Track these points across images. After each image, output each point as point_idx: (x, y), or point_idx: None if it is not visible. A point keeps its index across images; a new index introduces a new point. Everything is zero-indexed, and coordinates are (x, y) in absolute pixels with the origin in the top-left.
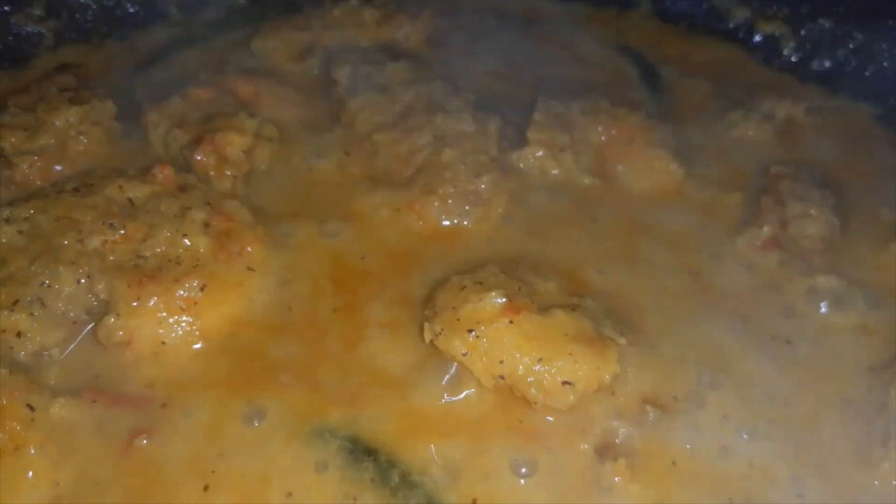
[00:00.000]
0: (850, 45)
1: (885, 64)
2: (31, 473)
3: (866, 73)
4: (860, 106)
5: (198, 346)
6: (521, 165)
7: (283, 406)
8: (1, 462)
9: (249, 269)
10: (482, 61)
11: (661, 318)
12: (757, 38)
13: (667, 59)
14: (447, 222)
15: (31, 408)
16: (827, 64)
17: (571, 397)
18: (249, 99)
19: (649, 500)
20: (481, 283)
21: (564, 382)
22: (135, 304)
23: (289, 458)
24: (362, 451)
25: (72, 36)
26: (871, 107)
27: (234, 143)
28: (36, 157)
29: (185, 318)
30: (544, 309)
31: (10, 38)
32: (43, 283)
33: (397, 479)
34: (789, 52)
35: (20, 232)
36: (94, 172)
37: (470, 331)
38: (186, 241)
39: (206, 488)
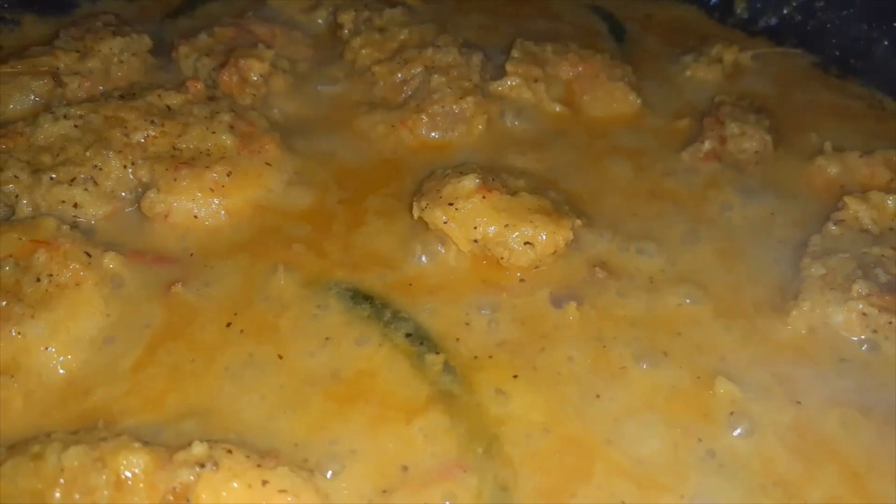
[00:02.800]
0: (794, 4)
1: (822, 18)
2: (88, 306)
3: (808, 28)
4: (800, 53)
5: (224, 221)
6: (500, 92)
7: (296, 267)
8: (64, 294)
9: (267, 164)
10: (468, 15)
11: (613, 211)
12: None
13: (632, 18)
14: (435, 135)
15: (89, 255)
16: (773, 21)
17: (532, 255)
18: (266, 39)
19: (591, 333)
20: (461, 172)
21: (526, 243)
22: (173, 181)
23: (299, 303)
24: (361, 297)
25: None
26: (810, 55)
27: (255, 69)
28: (84, 78)
29: (214, 199)
30: (512, 192)
31: None
32: (95, 166)
33: (389, 315)
34: (741, 11)
35: (76, 126)
36: (136, 85)
37: (450, 204)
38: (215, 137)
39: (228, 325)
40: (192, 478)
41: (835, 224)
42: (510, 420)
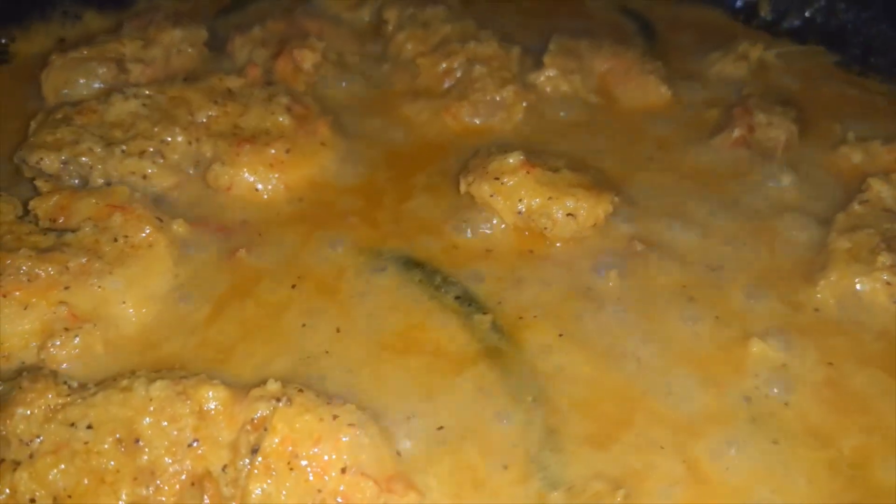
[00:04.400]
0: (816, 6)
1: (844, 19)
2: (160, 264)
3: (830, 29)
4: (823, 52)
5: (283, 194)
6: (538, 83)
7: (351, 236)
8: (139, 254)
9: (322, 144)
10: (505, 14)
11: (648, 190)
12: (738, 2)
13: (661, 18)
14: (477, 120)
15: (160, 219)
16: (796, 22)
17: (574, 226)
18: (316, 33)
19: (631, 298)
20: (505, 150)
21: (568, 215)
22: (236, 156)
23: (355, 268)
24: (413, 264)
25: None
26: (833, 54)
27: (307, 58)
28: (146, 65)
29: (274, 174)
30: (554, 169)
31: None
32: (163, 140)
33: (440, 280)
34: (765, 14)
35: (144, 105)
36: (196, 71)
37: (496, 178)
38: (274, 117)
39: (293, 286)
40: (267, 411)
41: (859, 204)
42: (557, 373)
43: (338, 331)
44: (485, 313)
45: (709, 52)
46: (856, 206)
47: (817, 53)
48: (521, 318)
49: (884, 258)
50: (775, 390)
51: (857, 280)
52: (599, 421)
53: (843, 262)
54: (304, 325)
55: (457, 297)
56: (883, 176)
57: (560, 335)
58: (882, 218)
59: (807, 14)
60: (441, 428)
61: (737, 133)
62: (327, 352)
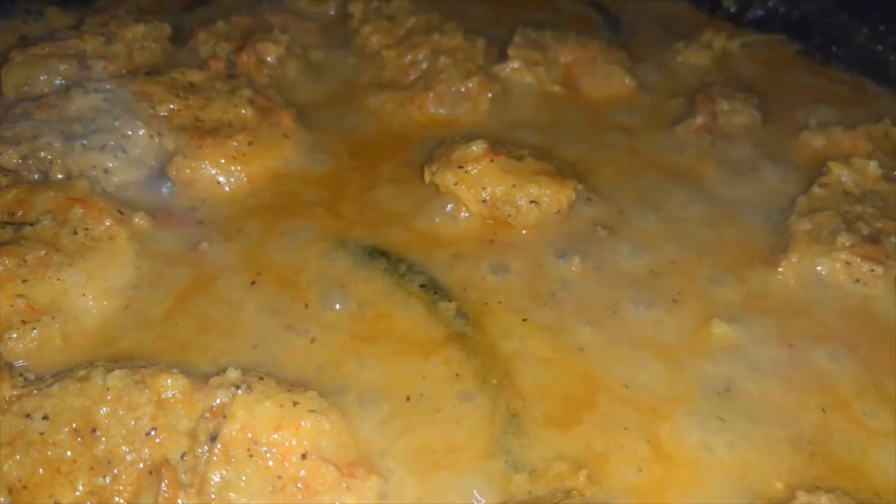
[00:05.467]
0: None
1: (805, 9)
2: (120, 257)
3: (792, 19)
4: (785, 41)
5: (246, 186)
6: (502, 74)
7: (315, 226)
8: (99, 247)
9: (285, 136)
10: (471, 6)
11: (612, 178)
12: None
13: (627, 10)
14: (442, 111)
15: (121, 212)
16: (760, 13)
17: (537, 213)
18: (280, 27)
19: (593, 282)
20: (468, 139)
21: (532, 202)
22: (198, 149)
23: (318, 258)
24: (378, 253)
25: None
26: (795, 43)
27: (271, 51)
28: (108, 61)
29: (236, 166)
30: (518, 157)
31: None
32: (124, 134)
33: (404, 269)
34: (729, 5)
35: (105, 99)
36: (160, 65)
37: (460, 167)
38: (236, 109)
39: (252, 283)
40: (227, 398)
41: (819, 187)
42: (520, 357)
43: (299, 321)
44: (450, 300)
45: (673, 43)
46: (816, 189)
47: (780, 43)
48: (486, 303)
49: (843, 238)
50: (737, 371)
51: (817, 261)
52: (563, 403)
53: (803, 243)
54: (263, 320)
55: (422, 286)
56: (843, 159)
57: (524, 320)
58: (842, 200)
59: (770, 4)
60: (404, 412)
61: (699, 120)
62: (289, 342)
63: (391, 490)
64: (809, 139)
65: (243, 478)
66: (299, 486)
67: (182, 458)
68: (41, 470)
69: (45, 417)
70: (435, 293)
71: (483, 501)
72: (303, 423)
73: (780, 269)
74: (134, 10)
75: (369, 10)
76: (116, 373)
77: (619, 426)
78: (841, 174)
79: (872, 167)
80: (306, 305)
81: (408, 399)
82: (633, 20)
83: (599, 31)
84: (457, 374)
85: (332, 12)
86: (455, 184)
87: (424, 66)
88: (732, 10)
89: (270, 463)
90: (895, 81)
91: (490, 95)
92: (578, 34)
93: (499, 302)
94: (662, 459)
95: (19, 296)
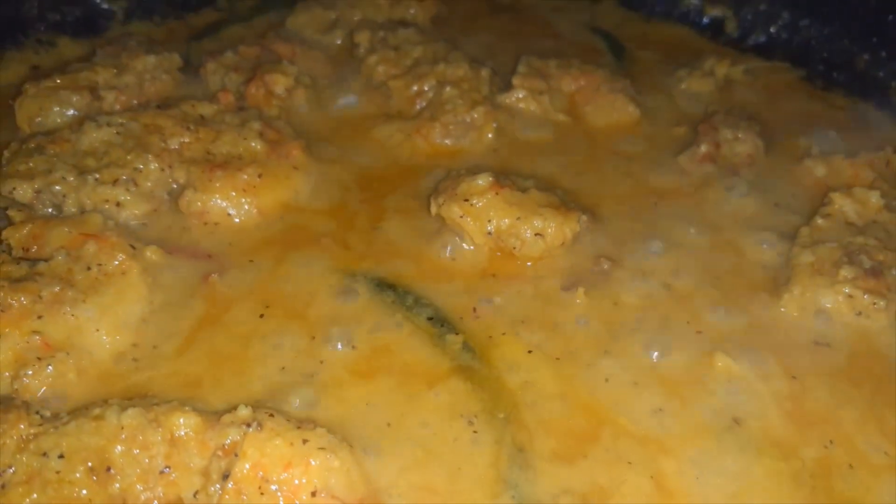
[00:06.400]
0: (780, 23)
1: (807, 36)
2: (133, 292)
3: (794, 45)
4: (788, 67)
5: (256, 219)
6: (507, 104)
7: (324, 259)
8: (112, 282)
9: (295, 168)
10: (476, 35)
11: (615, 209)
12: (705, 20)
13: (630, 38)
14: (448, 141)
15: (133, 247)
16: (762, 39)
17: (542, 245)
18: (288, 57)
19: (598, 315)
20: (474, 172)
21: (536, 234)
22: (208, 182)
23: (327, 290)
24: (385, 286)
25: (138, 14)
26: (797, 69)
27: (280, 83)
28: (119, 92)
29: (246, 198)
30: (522, 189)
31: (90, 12)
32: (136, 168)
33: (411, 301)
34: (731, 30)
35: (117, 133)
36: (170, 98)
37: (465, 200)
38: (246, 143)
39: (261, 316)
40: (238, 436)
41: (822, 218)
42: (525, 390)
43: (308, 355)
44: (456, 333)
45: (676, 70)
46: (818, 221)
47: (782, 69)
48: (490, 336)
49: (846, 271)
50: (739, 404)
51: (820, 293)
52: (567, 437)
53: (806, 275)
54: (272, 354)
55: (429, 318)
56: (845, 190)
57: (529, 352)
58: (844, 232)
59: (772, 30)
60: (410, 447)
61: (703, 149)
62: (298, 377)
63: None
64: (812, 167)
65: None
66: None
67: (195, 496)
68: None
69: (62, 456)
70: (441, 326)
71: None
72: (312, 462)
73: (783, 302)
74: (144, 41)
75: (375, 39)
76: (130, 411)
77: (624, 461)
78: (843, 205)
79: (875, 198)
80: (313, 338)
81: (413, 433)
82: (636, 46)
83: (603, 57)
84: (463, 408)
85: (339, 41)
86: (461, 216)
87: (430, 95)
88: (734, 35)
89: (281, 501)
90: None
91: (495, 125)
92: (582, 62)
93: (504, 334)
94: (665, 494)
95: (35, 332)
